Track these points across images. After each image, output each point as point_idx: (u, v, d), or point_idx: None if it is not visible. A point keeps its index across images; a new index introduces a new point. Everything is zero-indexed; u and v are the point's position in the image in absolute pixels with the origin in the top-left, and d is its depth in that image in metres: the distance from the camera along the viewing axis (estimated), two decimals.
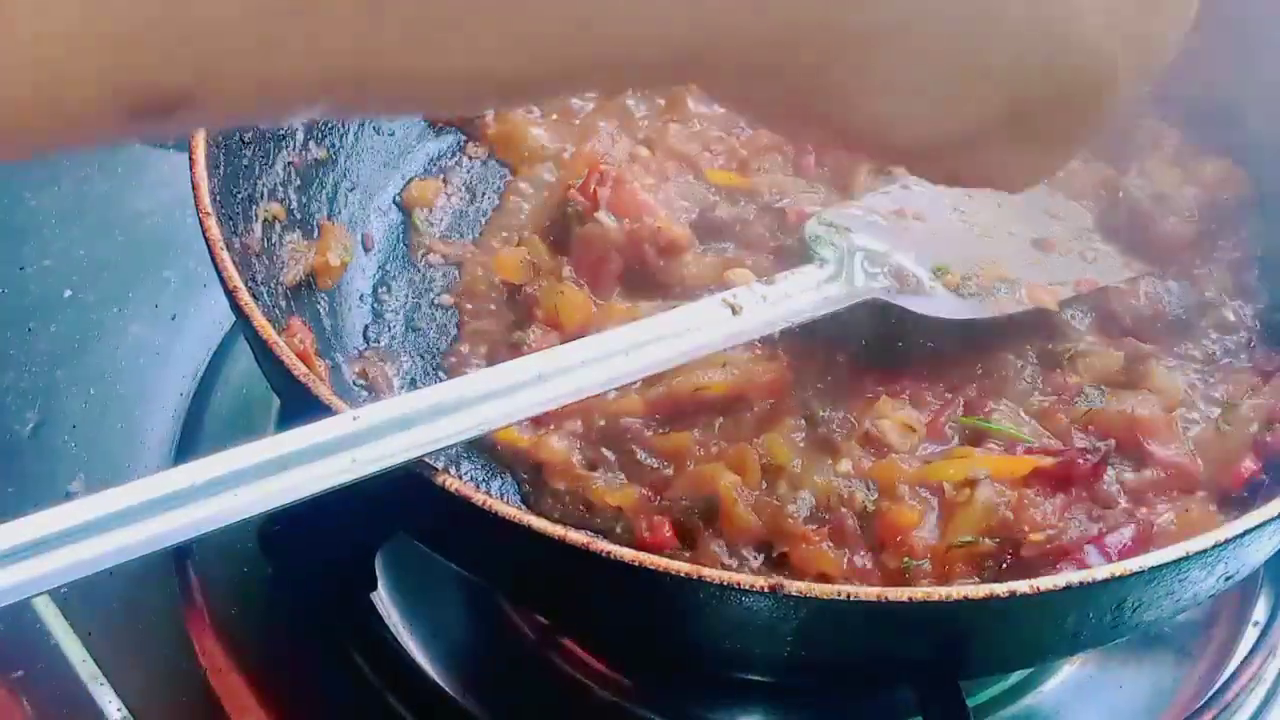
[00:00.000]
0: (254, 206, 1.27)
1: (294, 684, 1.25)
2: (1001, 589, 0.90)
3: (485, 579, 1.13)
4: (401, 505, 1.03)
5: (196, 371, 1.49)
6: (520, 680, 1.28)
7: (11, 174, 1.69)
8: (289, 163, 1.34)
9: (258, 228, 1.27)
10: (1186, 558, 0.93)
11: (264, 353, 1.03)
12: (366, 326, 1.38)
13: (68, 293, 1.57)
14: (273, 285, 1.26)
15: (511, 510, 0.90)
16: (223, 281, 1.07)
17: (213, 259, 1.08)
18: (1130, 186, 1.40)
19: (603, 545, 0.89)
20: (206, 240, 1.08)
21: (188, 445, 1.43)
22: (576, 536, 0.90)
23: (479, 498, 0.91)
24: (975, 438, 1.22)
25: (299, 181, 1.36)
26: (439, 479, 0.92)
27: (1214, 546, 0.94)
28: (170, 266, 1.58)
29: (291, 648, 1.27)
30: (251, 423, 1.43)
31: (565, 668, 1.27)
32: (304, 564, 1.26)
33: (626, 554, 0.89)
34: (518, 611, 1.30)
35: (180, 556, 1.33)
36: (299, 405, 1.00)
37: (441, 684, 1.25)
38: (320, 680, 1.25)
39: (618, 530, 1.16)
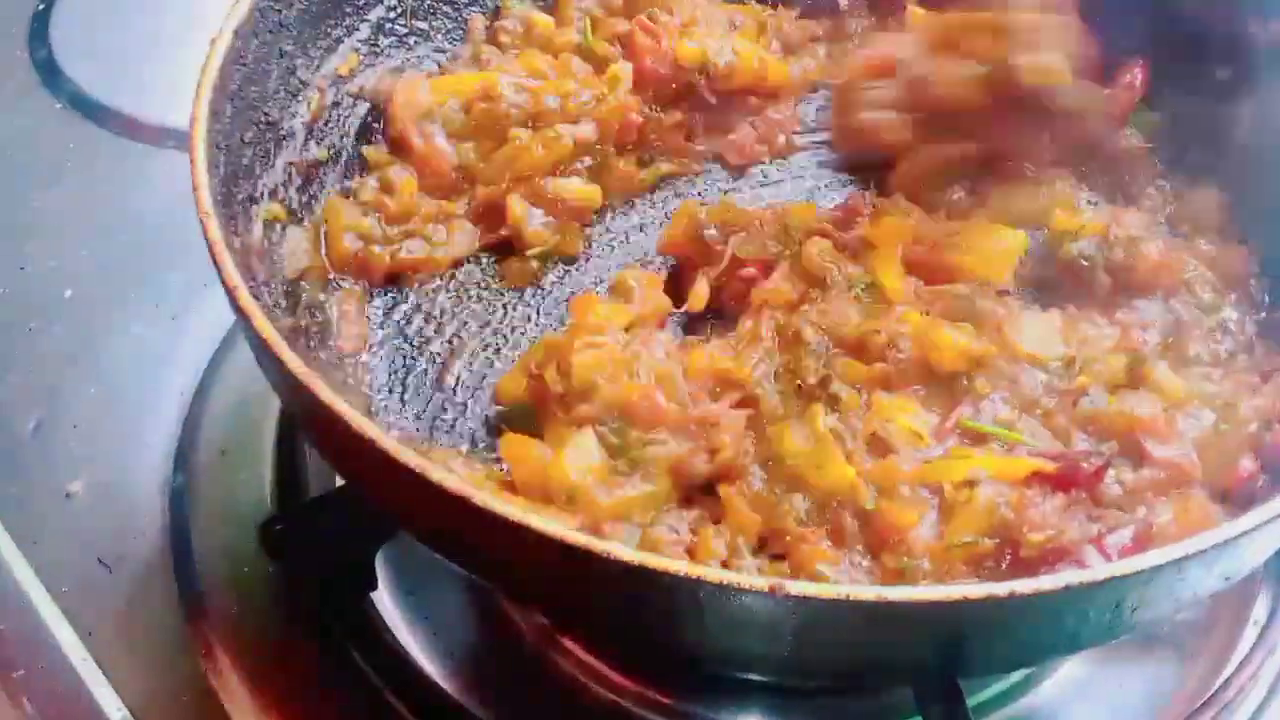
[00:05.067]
0: (254, 207, 1.27)
1: (294, 684, 1.25)
2: (1001, 589, 0.90)
3: (485, 579, 1.13)
4: (402, 505, 1.03)
5: (197, 371, 1.49)
6: (520, 680, 1.27)
7: (15, 174, 1.70)
8: (289, 163, 1.34)
9: (258, 228, 1.26)
10: (1185, 558, 0.93)
11: (264, 352, 1.03)
12: None
13: (69, 293, 1.57)
14: (273, 285, 1.26)
15: (512, 510, 0.90)
16: (223, 281, 1.07)
17: (213, 259, 1.08)
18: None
19: (602, 545, 0.89)
20: (207, 241, 1.08)
21: (188, 445, 1.43)
22: (576, 537, 0.90)
23: (479, 498, 0.90)
24: (976, 437, 1.21)
25: (299, 182, 1.36)
26: (438, 479, 0.92)
27: (1213, 547, 0.94)
28: (171, 267, 1.58)
29: (291, 647, 1.27)
30: (253, 422, 1.43)
31: (565, 667, 1.27)
32: (304, 564, 1.27)
33: (626, 554, 0.89)
34: (518, 611, 1.30)
35: (180, 556, 1.34)
36: (299, 404, 1.00)
37: (441, 684, 1.25)
38: (320, 680, 1.25)
39: None
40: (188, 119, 1.16)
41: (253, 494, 1.38)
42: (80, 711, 1.23)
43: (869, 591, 0.90)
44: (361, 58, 1.45)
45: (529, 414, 1.25)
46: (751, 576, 0.90)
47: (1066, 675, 1.28)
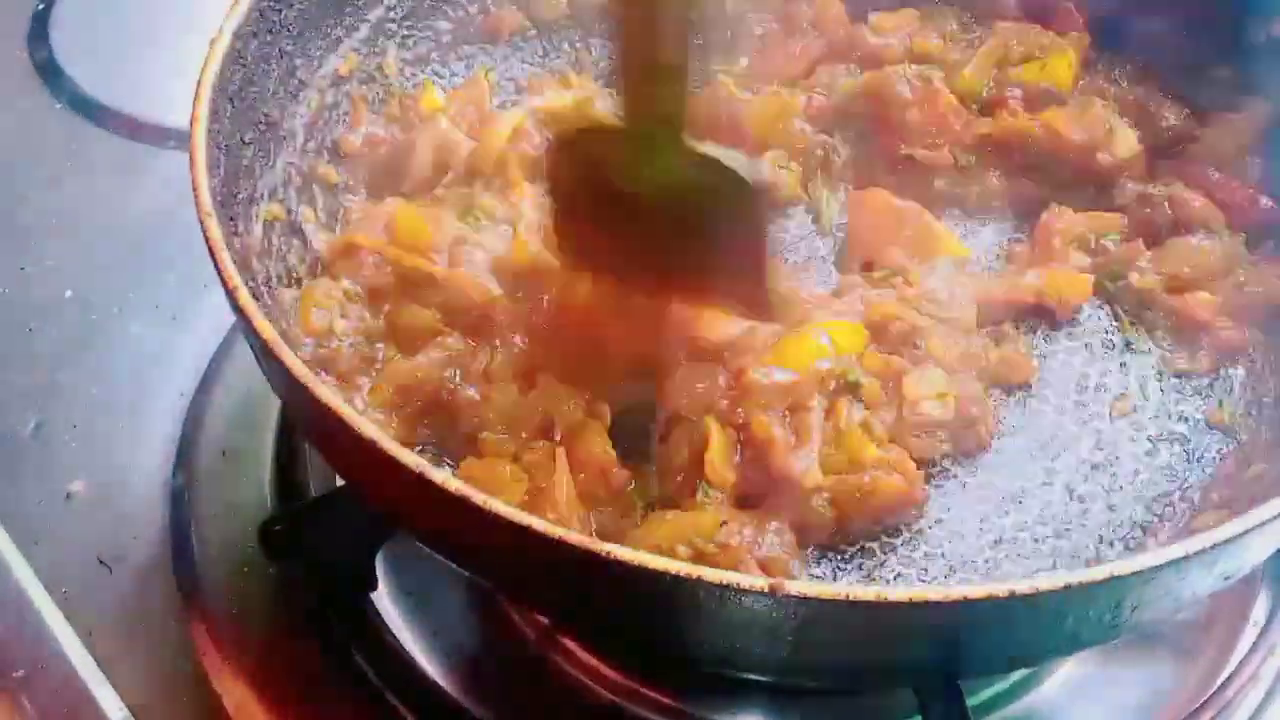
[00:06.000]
0: (254, 207, 1.27)
1: (294, 684, 1.25)
2: (1000, 589, 0.89)
3: (485, 580, 1.13)
4: (402, 506, 1.03)
5: (197, 371, 1.49)
6: (520, 680, 1.27)
7: (15, 175, 1.70)
8: (289, 163, 1.34)
9: (258, 228, 1.26)
10: (1186, 558, 0.93)
11: (264, 353, 1.03)
12: None
13: (69, 293, 1.57)
14: (273, 285, 1.26)
15: (511, 510, 0.90)
16: (223, 282, 1.06)
17: (213, 259, 1.07)
18: None
19: (602, 546, 0.89)
20: (207, 241, 1.08)
21: (189, 445, 1.43)
22: (576, 537, 0.89)
23: (479, 498, 0.90)
24: None
25: (299, 182, 1.36)
26: (439, 479, 0.92)
27: (1212, 546, 0.94)
28: (171, 267, 1.58)
29: (291, 647, 1.27)
30: (253, 422, 1.43)
31: (565, 667, 1.27)
32: (305, 564, 1.27)
33: (626, 554, 0.88)
34: (518, 611, 1.30)
35: (180, 556, 1.34)
36: (299, 405, 1.00)
37: (441, 684, 1.25)
38: (320, 680, 1.25)
39: None
40: (188, 119, 1.16)
41: (253, 494, 1.38)
42: (81, 712, 1.23)
43: (869, 591, 0.90)
44: (361, 58, 1.45)
45: None
46: (751, 577, 0.89)
47: (1066, 675, 1.28)
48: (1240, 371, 1.35)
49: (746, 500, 1.18)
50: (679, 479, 1.19)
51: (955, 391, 1.24)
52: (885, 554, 1.21)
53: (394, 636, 1.27)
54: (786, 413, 1.20)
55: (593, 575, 0.92)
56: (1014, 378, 1.32)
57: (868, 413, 1.21)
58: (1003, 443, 1.29)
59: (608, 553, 0.89)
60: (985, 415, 1.26)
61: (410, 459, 0.93)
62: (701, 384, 1.22)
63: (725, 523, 1.14)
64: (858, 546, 1.21)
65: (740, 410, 1.19)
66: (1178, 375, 1.35)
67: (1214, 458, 1.29)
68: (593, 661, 1.27)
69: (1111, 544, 1.22)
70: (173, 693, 1.25)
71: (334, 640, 1.26)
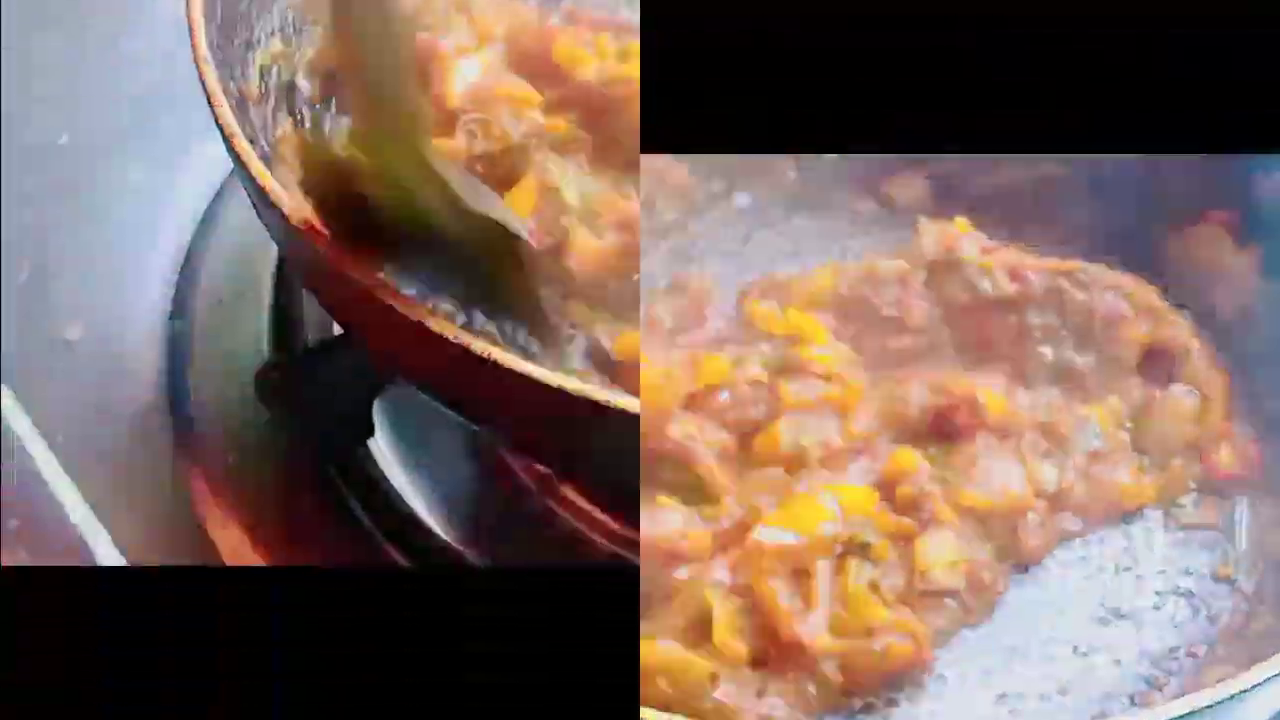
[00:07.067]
0: (251, 52, 1.24)
1: (290, 531, 1.27)
2: None
3: (489, 428, 1.15)
4: (402, 354, 1.04)
5: (195, 217, 1.49)
6: (519, 529, 1.29)
7: (9, 17, 1.64)
8: (286, 7, 1.29)
9: (255, 74, 1.24)
10: (1191, 714, 0.92)
11: (261, 200, 1.02)
12: None
13: (65, 138, 1.55)
14: (270, 132, 1.24)
15: (513, 359, 0.90)
16: (220, 129, 1.06)
17: (210, 106, 1.06)
18: None
19: (603, 394, 0.90)
20: (203, 86, 1.07)
21: (186, 291, 1.43)
22: (578, 385, 0.91)
23: (479, 346, 0.90)
24: None
25: (296, 27, 1.31)
26: (437, 328, 0.92)
27: (1218, 703, 0.92)
28: (169, 111, 1.55)
29: (288, 495, 1.29)
30: (250, 270, 1.43)
31: (566, 517, 1.28)
32: (301, 412, 1.28)
33: (629, 403, 0.90)
34: (518, 461, 1.31)
35: (177, 404, 1.35)
36: (297, 254, 1.01)
37: (439, 532, 1.26)
38: (316, 528, 1.27)
39: None
40: None
41: (250, 341, 1.39)
42: (75, 559, 1.23)
43: None
44: None
45: None
46: None
47: None
48: (1245, 515, 1.29)
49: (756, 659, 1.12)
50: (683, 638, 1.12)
51: (967, 558, 1.18)
52: (889, 709, 1.14)
53: (391, 485, 1.28)
54: (791, 575, 1.13)
55: (593, 421, 0.93)
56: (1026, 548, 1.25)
57: (876, 572, 1.15)
58: (1007, 597, 1.22)
59: (608, 402, 0.90)
60: (996, 581, 1.20)
61: (410, 308, 0.93)
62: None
63: (715, 676, 1.08)
64: (862, 704, 1.13)
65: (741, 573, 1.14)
66: (1183, 529, 1.28)
67: (1220, 611, 1.23)
68: (594, 511, 1.28)
69: (1118, 699, 1.16)
70: (168, 539, 1.26)
71: (331, 487, 1.28)
